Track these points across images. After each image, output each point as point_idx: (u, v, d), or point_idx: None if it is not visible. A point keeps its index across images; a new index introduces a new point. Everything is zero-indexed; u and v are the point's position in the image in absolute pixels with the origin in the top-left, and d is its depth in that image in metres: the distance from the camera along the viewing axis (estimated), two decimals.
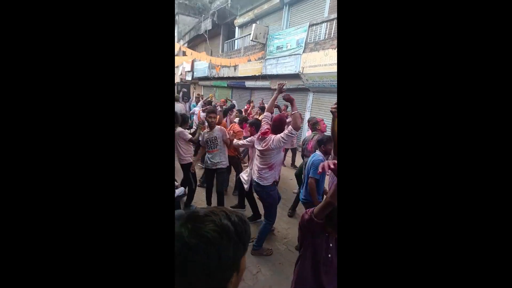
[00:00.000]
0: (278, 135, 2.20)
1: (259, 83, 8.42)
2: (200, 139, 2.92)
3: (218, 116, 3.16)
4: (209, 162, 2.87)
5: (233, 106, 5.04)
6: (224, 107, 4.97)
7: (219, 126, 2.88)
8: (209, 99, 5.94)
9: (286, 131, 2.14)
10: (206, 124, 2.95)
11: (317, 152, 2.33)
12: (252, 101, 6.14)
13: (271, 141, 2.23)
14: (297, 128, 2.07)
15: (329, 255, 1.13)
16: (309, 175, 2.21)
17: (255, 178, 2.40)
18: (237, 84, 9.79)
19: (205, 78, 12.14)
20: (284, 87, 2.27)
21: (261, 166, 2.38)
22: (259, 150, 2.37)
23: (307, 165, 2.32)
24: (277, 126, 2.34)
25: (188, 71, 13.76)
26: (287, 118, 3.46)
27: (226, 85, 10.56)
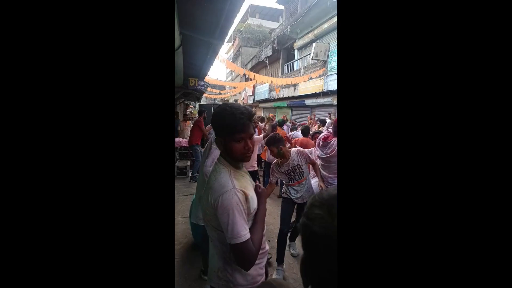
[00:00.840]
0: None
1: (320, 100, 8.23)
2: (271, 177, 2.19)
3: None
4: (297, 196, 2.10)
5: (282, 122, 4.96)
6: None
7: (295, 149, 2.14)
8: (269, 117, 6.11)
9: None
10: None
11: None
12: (315, 114, 5.97)
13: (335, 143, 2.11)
14: None
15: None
16: None
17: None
18: (297, 103, 9.84)
19: (265, 101, 12.74)
20: None
21: (329, 175, 2.19)
22: (323, 158, 2.21)
23: None
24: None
25: (250, 95, 14.80)
26: None
27: (285, 105, 10.76)
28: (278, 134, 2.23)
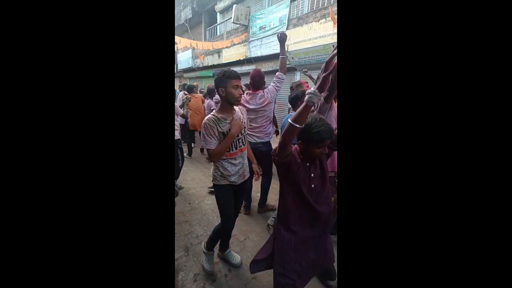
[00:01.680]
0: (270, 86, 2.19)
1: (245, 68, 8.15)
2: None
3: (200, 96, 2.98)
4: (235, 174, 1.48)
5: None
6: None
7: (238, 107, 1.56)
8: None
9: (275, 79, 2.15)
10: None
11: (292, 112, 2.18)
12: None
13: (266, 94, 2.16)
14: (284, 71, 2.13)
15: (312, 185, 1.05)
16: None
17: (257, 140, 2.24)
18: None
19: (190, 70, 11.77)
20: (281, 35, 2.20)
21: (262, 124, 2.24)
22: (253, 109, 2.21)
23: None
24: (258, 81, 2.23)
25: None
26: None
27: (211, 74, 10.24)
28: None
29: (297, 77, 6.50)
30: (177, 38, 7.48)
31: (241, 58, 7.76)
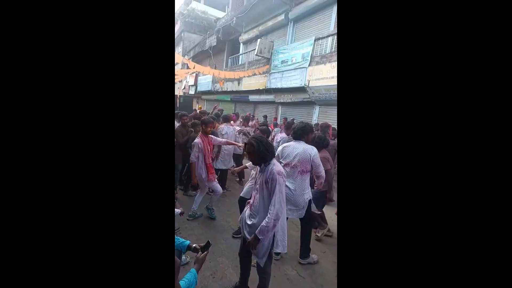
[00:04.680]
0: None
1: (263, 97, 8.34)
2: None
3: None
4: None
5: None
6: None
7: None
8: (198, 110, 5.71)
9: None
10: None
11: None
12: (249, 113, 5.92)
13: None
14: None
15: None
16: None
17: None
18: (240, 98, 9.73)
19: (208, 92, 12.17)
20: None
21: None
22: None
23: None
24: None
25: (192, 85, 13.87)
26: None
27: (229, 99, 10.52)
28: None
29: (316, 110, 6.54)
30: (200, 67, 7.83)
31: (261, 88, 7.96)
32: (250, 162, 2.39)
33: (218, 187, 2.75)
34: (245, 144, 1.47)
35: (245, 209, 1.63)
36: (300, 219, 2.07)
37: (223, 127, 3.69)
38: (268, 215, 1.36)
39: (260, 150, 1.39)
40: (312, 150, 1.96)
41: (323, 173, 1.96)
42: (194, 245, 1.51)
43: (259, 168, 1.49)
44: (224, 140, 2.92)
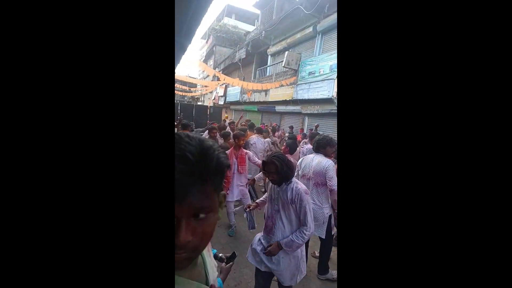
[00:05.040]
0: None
1: (289, 108, 8.40)
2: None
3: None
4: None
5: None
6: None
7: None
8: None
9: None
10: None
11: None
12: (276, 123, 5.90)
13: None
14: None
15: None
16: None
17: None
18: (267, 108, 9.91)
19: (237, 103, 12.60)
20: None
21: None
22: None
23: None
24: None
25: (221, 96, 14.51)
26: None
27: (256, 110, 10.77)
28: None
29: None
30: (230, 79, 8.20)
31: (287, 99, 8.05)
32: (259, 174, 2.39)
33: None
34: (264, 162, 1.39)
35: (255, 238, 1.58)
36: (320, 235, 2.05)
37: (253, 137, 3.81)
38: (304, 231, 1.34)
39: (283, 170, 1.35)
40: (327, 162, 1.94)
41: (335, 187, 1.88)
42: (220, 255, 1.60)
43: (277, 187, 1.44)
44: (259, 161, 2.78)
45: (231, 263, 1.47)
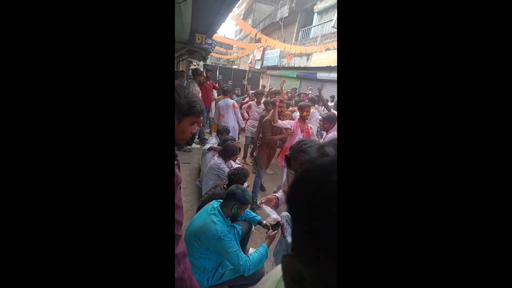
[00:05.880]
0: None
1: (333, 75, 7.70)
2: None
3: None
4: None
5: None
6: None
7: None
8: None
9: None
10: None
11: None
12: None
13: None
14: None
15: None
16: None
17: None
18: (307, 75, 9.25)
19: (274, 68, 11.99)
20: None
21: None
22: None
23: None
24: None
25: (258, 60, 13.88)
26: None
27: (295, 76, 10.15)
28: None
29: None
30: (271, 41, 7.64)
31: (333, 65, 7.33)
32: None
33: None
34: (293, 149, 1.08)
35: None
36: None
37: (315, 111, 3.66)
38: None
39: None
40: None
41: None
42: (264, 222, 1.65)
43: None
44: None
45: (276, 231, 1.50)
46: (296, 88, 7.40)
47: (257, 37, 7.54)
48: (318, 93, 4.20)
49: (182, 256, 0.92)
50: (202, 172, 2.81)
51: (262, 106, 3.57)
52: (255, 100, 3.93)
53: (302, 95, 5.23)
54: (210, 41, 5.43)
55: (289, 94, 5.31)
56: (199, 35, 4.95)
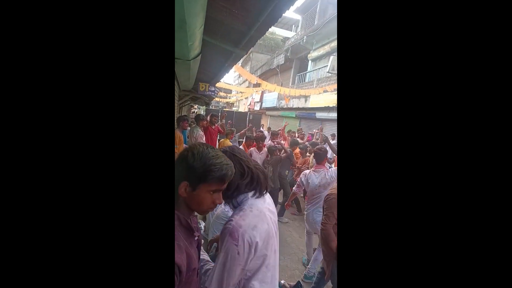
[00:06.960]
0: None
1: (332, 115, 7.98)
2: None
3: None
4: None
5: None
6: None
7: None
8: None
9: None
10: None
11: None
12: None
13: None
14: None
15: None
16: None
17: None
18: (306, 115, 9.59)
19: (273, 109, 12.51)
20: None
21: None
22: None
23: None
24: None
25: (257, 102, 14.59)
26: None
27: (294, 116, 10.52)
28: None
29: None
30: (270, 85, 8.13)
31: (331, 105, 7.65)
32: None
33: None
34: None
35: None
36: None
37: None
38: None
39: None
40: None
41: None
42: (282, 282, 1.51)
43: None
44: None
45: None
46: (302, 129, 7.59)
47: (252, 83, 8.05)
48: (319, 132, 4.39)
49: None
50: (208, 222, 2.66)
51: (264, 151, 3.37)
52: (255, 145, 3.57)
53: (308, 135, 5.29)
54: (213, 89, 5.76)
55: (297, 134, 5.43)
56: (202, 83, 5.26)
